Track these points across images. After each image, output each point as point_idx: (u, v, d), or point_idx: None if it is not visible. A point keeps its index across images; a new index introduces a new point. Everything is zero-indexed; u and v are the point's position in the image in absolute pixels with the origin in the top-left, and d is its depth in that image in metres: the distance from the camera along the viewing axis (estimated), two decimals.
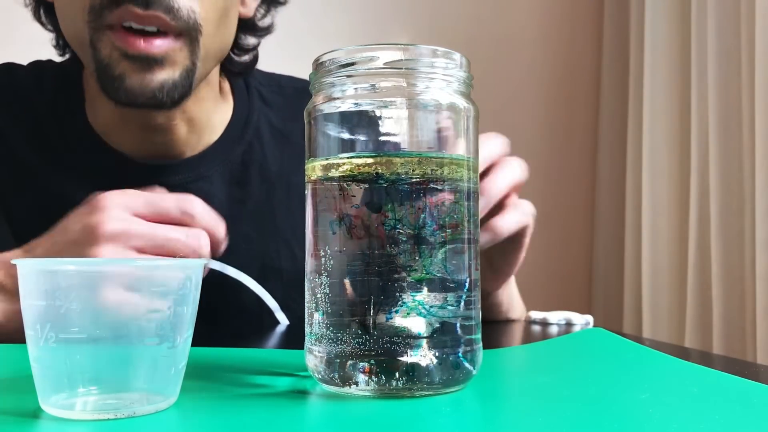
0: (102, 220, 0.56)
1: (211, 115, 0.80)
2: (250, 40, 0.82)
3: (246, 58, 0.82)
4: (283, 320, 0.74)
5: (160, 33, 0.67)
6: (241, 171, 0.81)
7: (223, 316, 0.75)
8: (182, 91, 0.70)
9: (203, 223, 0.60)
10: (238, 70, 0.82)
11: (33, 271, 0.36)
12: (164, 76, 0.68)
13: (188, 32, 0.68)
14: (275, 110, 0.85)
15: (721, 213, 1.54)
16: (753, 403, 0.40)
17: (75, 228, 0.58)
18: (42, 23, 0.80)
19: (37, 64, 0.84)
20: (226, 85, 0.84)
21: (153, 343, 0.36)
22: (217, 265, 0.72)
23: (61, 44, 0.79)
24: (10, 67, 0.84)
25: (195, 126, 0.78)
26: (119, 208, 0.57)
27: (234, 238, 0.77)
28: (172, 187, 0.75)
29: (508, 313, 0.82)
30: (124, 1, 0.64)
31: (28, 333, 0.36)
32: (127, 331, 0.35)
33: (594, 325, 0.76)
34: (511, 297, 0.80)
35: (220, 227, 0.61)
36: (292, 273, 0.79)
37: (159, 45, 0.66)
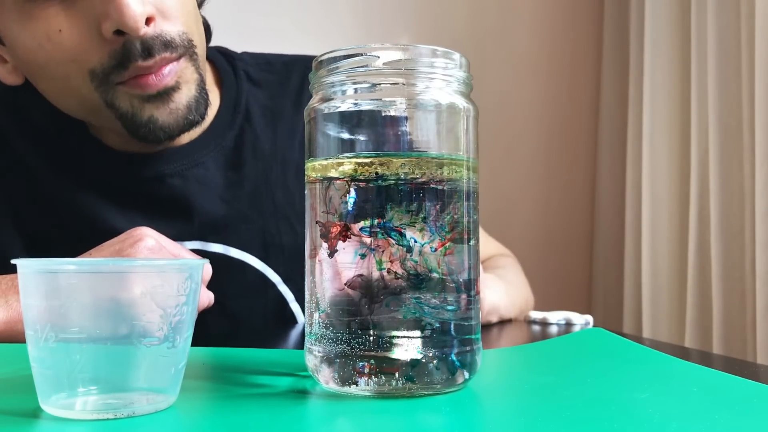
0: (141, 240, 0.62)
1: None
2: None
3: None
4: (287, 293, 0.75)
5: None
6: (234, 154, 0.81)
7: (229, 296, 0.76)
8: (204, 102, 0.72)
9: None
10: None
11: (33, 272, 0.36)
12: (185, 98, 0.70)
13: (186, 52, 0.70)
14: (264, 88, 0.86)
15: (721, 213, 1.54)
16: (753, 403, 0.40)
17: (111, 249, 0.62)
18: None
19: None
20: (210, 77, 0.84)
21: (153, 343, 0.36)
22: (220, 248, 0.74)
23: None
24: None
25: None
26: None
27: (234, 219, 0.79)
28: (170, 176, 0.77)
29: (506, 316, 0.81)
30: (131, 61, 0.66)
31: (28, 333, 0.36)
32: (127, 331, 0.35)
33: (594, 325, 0.76)
34: (492, 306, 0.79)
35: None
36: (293, 248, 0.80)
37: (168, 73, 0.68)
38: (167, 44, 0.67)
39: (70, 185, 0.77)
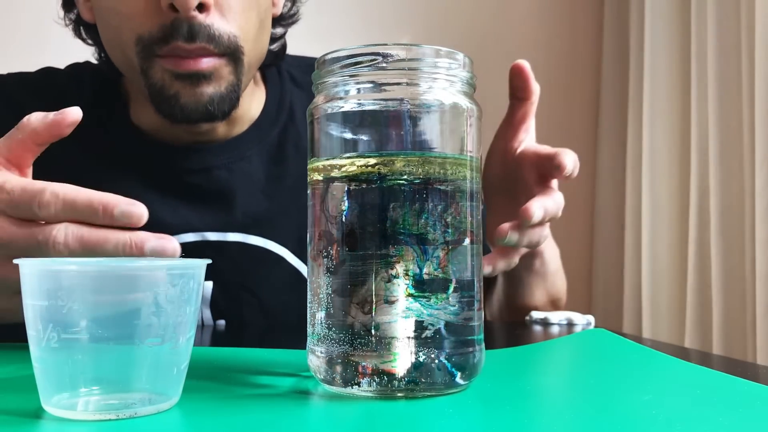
0: None
1: (248, 105, 0.83)
2: (278, 30, 0.86)
3: (274, 47, 0.85)
4: None
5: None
6: (277, 150, 0.84)
7: (266, 289, 0.78)
8: (231, 103, 0.74)
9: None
10: (269, 61, 0.85)
11: (35, 271, 0.36)
12: (212, 90, 0.72)
13: (231, 53, 0.72)
14: (306, 90, 0.89)
15: (721, 213, 1.54)
16: (755, 404, 0.40)
17: None
18: (83, 39, 0.84)
19: (75, 67, 0.87)
20: (258, 74, 0.87)
21: (155, 344, 0.36)
22: (260, 241, 0.75)
23: (105, 58, 0.82)
24: (49, 70, 0.87)
25: (234, 121, 0.82)
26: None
27: (274, 213, 0.82)
28: (216, 168, 0.80)
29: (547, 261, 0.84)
30: (172, 39, 0.68)
31: (30, 333, 0.36)
32: (130, 331, 0.35)
33: (594, 325, 0.76)
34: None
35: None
36: None
37: (206, 62, 0.70)
38: (212, 38, 0.69)
39: (114, 176, 0.78)
